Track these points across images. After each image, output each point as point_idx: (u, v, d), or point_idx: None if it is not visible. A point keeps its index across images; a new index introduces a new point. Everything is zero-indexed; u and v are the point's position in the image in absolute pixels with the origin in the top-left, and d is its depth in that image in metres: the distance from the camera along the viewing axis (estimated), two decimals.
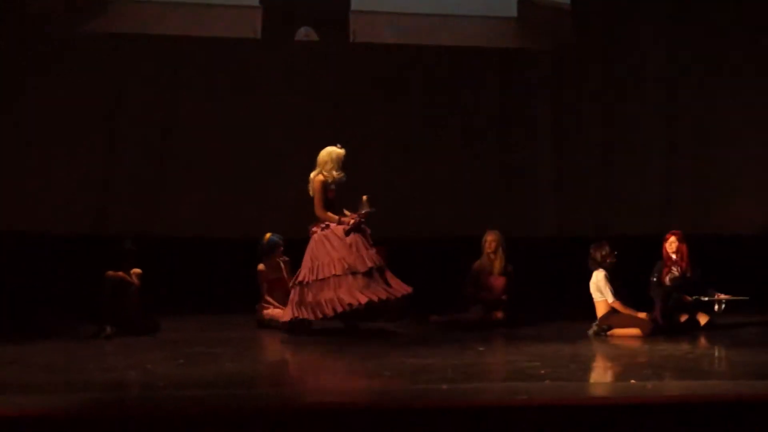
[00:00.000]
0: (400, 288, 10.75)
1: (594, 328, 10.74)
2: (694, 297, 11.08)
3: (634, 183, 14.32)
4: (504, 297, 11.71)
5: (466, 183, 13.91)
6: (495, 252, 11.75)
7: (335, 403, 7.27)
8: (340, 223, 10.81)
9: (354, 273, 10.62)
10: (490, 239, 11.76)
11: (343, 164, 10.98)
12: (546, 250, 13.72)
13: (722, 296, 11.14)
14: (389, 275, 10.82)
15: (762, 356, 9.18)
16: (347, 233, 10.74)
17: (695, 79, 14.39)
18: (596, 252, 10.93)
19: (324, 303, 10.56)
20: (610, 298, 10.75)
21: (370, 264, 10.66)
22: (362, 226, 10.84)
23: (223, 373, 8.36)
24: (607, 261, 10.88)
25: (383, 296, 10.60)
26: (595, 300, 10.87)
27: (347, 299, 10.49)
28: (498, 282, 11.70)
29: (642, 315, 10.75)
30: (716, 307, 11.11)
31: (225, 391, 7.61)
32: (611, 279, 10.81)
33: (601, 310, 10.81)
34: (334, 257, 10.70)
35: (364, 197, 11.01)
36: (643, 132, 14.35)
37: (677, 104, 14.41)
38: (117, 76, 13.36)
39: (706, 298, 11.10)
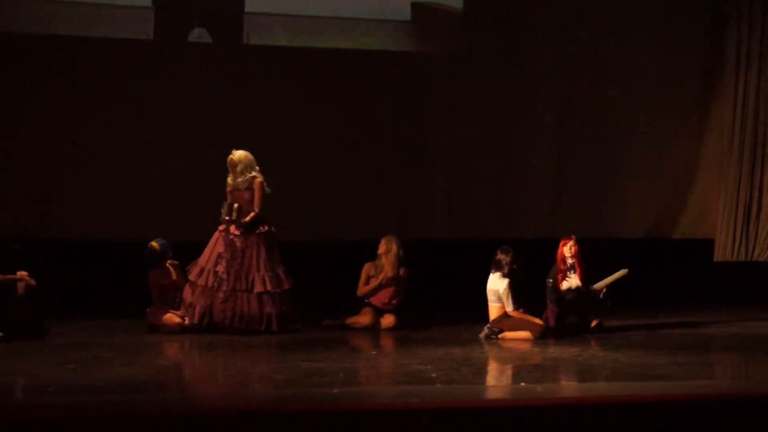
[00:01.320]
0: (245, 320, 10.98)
1: (485, 330, 10.83)
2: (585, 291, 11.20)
3: (526, 186, 14.47)
4: (394, 301, 11.73)
5: (359, 185, 13.92)
6: (389, 256, 11.78)
7: (228, 407, 7.24)
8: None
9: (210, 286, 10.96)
10: (387, 245, 11.78)
11: (232, 168, 11.24)
12: (437, 252, 13.81)
13: (600, 284, 11.30)
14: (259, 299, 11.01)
15: (648, 358, 9.36)
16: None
17: (587, 82, 14.60)
18: (503, 257, 10.94)
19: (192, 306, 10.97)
20: (510, 308, 10.82)
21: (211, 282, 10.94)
22: (231, 237, 10.97)
23: (113, 378, 8.26)
24: (513, 267, 10.90)
25: (220, 318, 10.95)
26: (489, 303, 10.93)
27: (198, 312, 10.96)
28: (390, 286, 11.74)
29: (537, 320, 10.85)
30: (604, 300, 11.27)
31: (116, 397, 7.53)
32: (513, 286, 10.87)
33: (494, 314, 10.89)
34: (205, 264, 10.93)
35: (224, 203, 11.10)
36: (535, 135, 14.52)
37: (569, 107, 14.59)
38: (6, 76, 13.09)
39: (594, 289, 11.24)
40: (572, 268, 11.18)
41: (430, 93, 14.32)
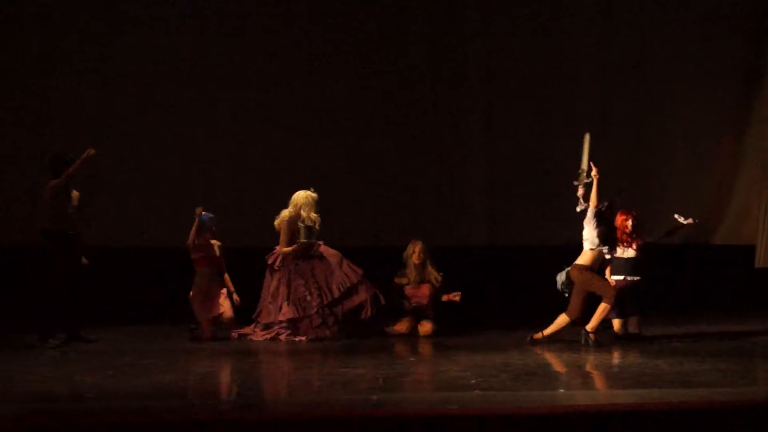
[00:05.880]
0: None
1: (562, 276, 10.76)
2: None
3: (565, 191, 14.38)
4: (428, 310, 11.67)
5: (398, 192, 13.91)
6: (422, 263, 11.74)
7: (267, 414, 7.25)
8: None
9: None
10: (417, 251, 11.75)
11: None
12: (476, 259, 13.76)
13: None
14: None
15: (689, 365, 9.28)
16: None
17: (625, 84, 14.52)
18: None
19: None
20: (595, 203, 10.78)
21: None
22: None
23: (152, 384, 8.29)
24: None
25: None
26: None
27: None
28: (424, 292, 11.70)
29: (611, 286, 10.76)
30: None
31: (155, 403, 7.55)
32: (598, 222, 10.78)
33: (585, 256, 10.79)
34: None
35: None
36: (573, 139, 14.39)
37: (608, 110, 14.51)
38: (37, 74, 13.23)
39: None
40: (628, 240, 11.14)
41: (467, 102, 14.27)
